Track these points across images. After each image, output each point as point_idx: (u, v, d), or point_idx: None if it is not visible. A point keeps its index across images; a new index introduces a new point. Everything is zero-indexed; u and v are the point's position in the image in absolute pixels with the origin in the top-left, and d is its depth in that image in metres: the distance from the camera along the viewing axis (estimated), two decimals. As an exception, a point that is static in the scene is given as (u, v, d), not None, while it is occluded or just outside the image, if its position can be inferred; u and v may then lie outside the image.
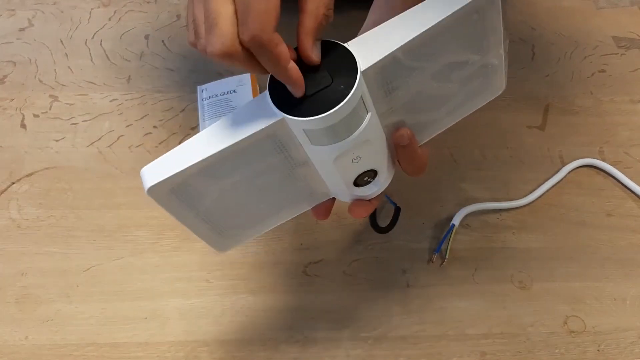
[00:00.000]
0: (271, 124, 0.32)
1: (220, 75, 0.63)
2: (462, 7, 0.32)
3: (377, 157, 0.37)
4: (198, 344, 0.49)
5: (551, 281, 0.53)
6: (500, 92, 0.40)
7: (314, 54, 0.32)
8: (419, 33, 0.32)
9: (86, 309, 0.50)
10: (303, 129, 0.32)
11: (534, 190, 0.58)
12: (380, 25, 0.33)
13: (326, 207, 0.41)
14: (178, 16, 0.70)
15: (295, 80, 0.31)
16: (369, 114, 0.33)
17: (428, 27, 0.32)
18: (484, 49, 0.36)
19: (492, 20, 0.34)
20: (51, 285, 0.51)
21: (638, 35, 0.71)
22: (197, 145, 0.32)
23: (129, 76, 0.64)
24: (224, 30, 0.29)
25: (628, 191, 0.59)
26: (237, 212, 0.38)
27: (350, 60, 0.32)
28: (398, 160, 0.40)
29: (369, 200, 0.40)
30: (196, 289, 0.52)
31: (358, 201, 0.40)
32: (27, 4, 0.70)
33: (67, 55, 0.66)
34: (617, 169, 0.59)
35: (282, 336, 0.50)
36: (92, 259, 0.53)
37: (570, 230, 0.56)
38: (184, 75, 0.65)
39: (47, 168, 0.58)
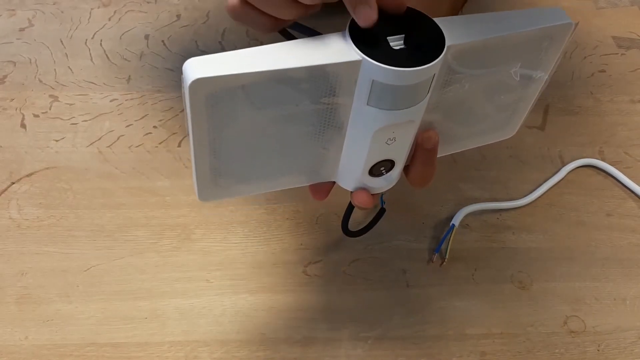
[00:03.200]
0: (347, 62, 0.30)
1: (220, 75, 0.63)
2: (554, 26, 0.35)
3: (405, 147, 0.37)
4: (198, 344, 0.49)
5: (551, 281, 0.53)
6: (508, 137, 0.43)
7: None
8: (507, 34, 0.33)
9: (86, 309, 0.50)
10: (372, 80, 0.31)
11: (533, 190, 0.58)
12: (469, 15, 0.34)
13: (326, 188, 0.40)
14: (178, 16, 0.70)
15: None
16: (428, 96, 0.33)
17: (517, 31, 0.34)
18: (532, 77, 0.39)
19: (554, 51, 0.37)
20: (51, 285, 0.51)
21: (638, 35, 0.71)
22: (261, 56, 0.30)
23: (129, 76, 0.64)
24: None
25: (628, 191, 0.59)
26: (247, 158, 0.36)
27: (437, 32, 0.32)
28: (408, 166, 0.39)
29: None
30: (196, 289, 0.52)
31: (363, 190, 0.39)
32: (27, 3, 0.70)
33: (67, 55, 0.66)
34: (616, 168, 0.59)
35: (282, 336, 0.50)
36: (92, 259, 0.53)
37: (570, 230, 0.56)
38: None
39: (47, 168, 0.58)
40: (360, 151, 0.36)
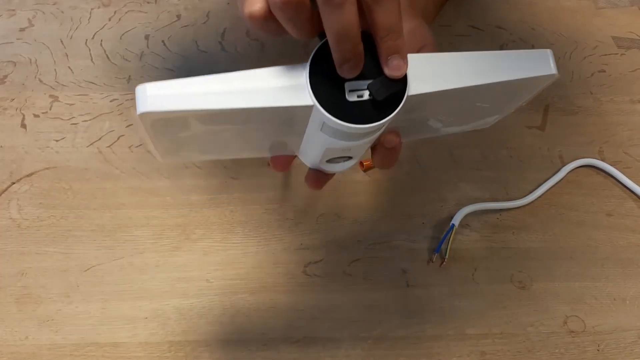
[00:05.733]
0: (299, 105, 0.30)
1: (220, 76, 0.63)
2: (535, 77, 0.32)
3: (361, 151, 0.36)
4: (198, 344, 0.49)
5: (551, 281, 0.53)
6: (485, 127, 0.41)
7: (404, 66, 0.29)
8: (479, 83, 0.31)
9: (86, 308, 0.50)
10: (323, 122, 0.30)
11: (533, 190, 0.58)
12: (445, 54, 0.32)
13: (287, 160, 0.39)
14: (178, 16, 0.70)
15: (355, 57, 0.29)
16: (383, 129, 0.32)
17: (492, 81, 0.31)
18: (508, 104, 0.37)
19: (532, 90, 0.35)
20: (51, 285, 0.51)
21: (638, 35, 0.71)
22: (212, 88, 0.29)
23: (129, 76, 0.64)
24: None
25: (628, 191, 0.59)
26: (205, 145, 0.36)
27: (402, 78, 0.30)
28: (372, 153, 0.38)
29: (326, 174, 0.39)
30: (196, 289, 0.52)
31: (318, 172, 0.39)
32: (27, 4, 0.70)
33: (67, 55, 0.66)
34: (616, 168, 0.59)
35: (282, 336, 0.50)
36: (92, 259, 0.53)
37: (570, 230, 0.56)
38: (184, 75, 0.65)
39: (47, 168, 0.58)
40: (316, 152, 0.35)
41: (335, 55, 0.29)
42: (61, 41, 0.67)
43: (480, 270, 0.54)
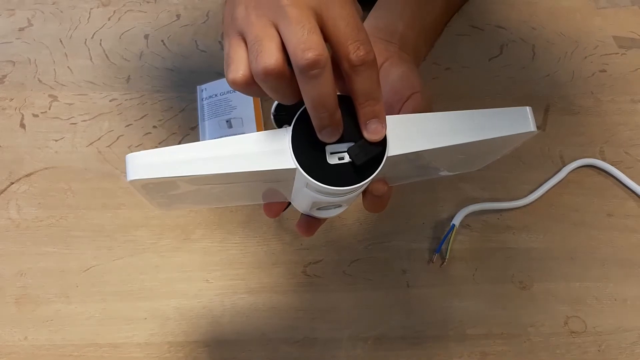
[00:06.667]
0: (282, 169, 0.31)
1: (219, 75, 0.63)
2: (516, 134, 0.32)
3: (349, 200, 0.37)
4: (198, 344, 0.49)
5: (551, 281, 0.53)
6: (474, 170, 0.42)
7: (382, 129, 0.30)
8: (458, 143, 0.32)
9: (86, 309, 0.50)
10: (307, 182, 0.31)
11: (534, 190, 0.58)
12: (424, 114, 0.32)
13: (279, 207, 0.40)
14: (178, 16, 0.70)
15: (333, 124, 0.30)
16: (365, 186, 0.33)
17: (471, 140, 0.32)
18: (492, 154, 0.38)
19: (511, 145, 0.35)
20: (51, 285, 0.51)
21: (638, 35, 0.71)
22: (198, 155, 0.31)
23: (129, 76, 0.64)
24: (273, 50, 0.28)
25: (628, 191, 0.59)
26: (197, 199, 0.37)
27: (381, 140, 0.31)
28: (362, 197, 0.39)
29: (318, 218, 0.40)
30: (196, 289, 0.52)
31: (309, 218, 0.39)
32: (27, 3, 0.70)
33: (66, 55, 0.66)
34: (617, 168, 0.59)
35: (282, 336, 0.50)
36: (92, 259, 0.53)
37: (571, 231, 0.56)
38: (183, 75, 0.65)
39: (46, 168, 0.58)
40: (305, 203, 0.36)
41: (314, 122, 0.30)
42: (60, 41, 0.67)
43: (481, 271, 0.54)
